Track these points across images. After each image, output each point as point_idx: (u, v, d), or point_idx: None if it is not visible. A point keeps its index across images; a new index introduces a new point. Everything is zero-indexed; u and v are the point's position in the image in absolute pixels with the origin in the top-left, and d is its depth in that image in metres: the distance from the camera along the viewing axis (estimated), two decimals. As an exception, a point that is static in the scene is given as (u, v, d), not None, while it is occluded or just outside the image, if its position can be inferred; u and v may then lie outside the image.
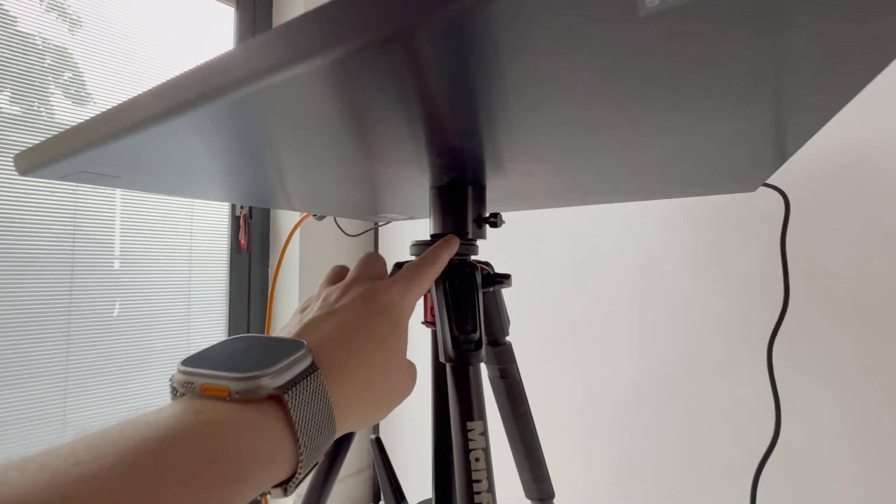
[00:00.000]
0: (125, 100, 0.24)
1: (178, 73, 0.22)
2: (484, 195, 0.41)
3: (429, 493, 0.56)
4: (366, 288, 0.28)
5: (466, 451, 0.32)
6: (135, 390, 1.07)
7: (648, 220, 0.75)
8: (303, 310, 0.28)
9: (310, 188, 0.48)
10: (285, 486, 0.20)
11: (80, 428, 1.00)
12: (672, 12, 0.14)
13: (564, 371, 0.85)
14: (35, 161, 0.30)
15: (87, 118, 0.26)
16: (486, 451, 0.32)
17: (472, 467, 0.31)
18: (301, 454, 0.19)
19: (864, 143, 0.53)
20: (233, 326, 1.22)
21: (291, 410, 0.19)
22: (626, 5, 0.13)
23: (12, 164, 0.97)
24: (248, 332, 1.24)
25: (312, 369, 0.21)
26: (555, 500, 0.51)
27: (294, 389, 0.20)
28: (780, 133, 0.28)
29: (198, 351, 0.21)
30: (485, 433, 0.33)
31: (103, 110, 0.26)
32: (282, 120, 0.24)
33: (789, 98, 0.22)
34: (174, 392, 0.20)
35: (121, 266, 1.08)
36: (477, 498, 0.30)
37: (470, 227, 0.40)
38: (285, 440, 0.19)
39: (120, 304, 1.07)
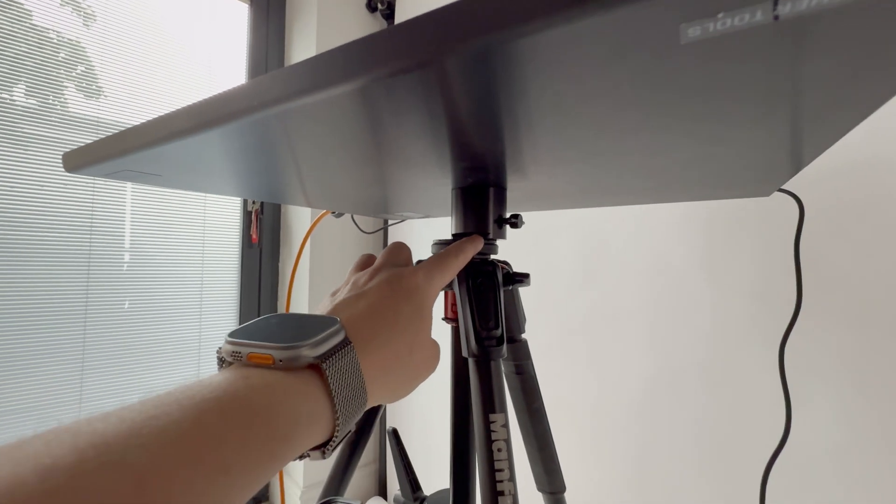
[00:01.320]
0: (173, 110, 0.26)
1: (222, 90, 0.23)
2: (505, 196, 0.43)
3: (436, 484, 0.58)
4: (392, 273, 0.30)
5: (490, 441, 0.33)
6: (149, 381, 1.10)
7: (660, 219, 0.76)
8: (334, 293, 0.30)
9: (331, 189, 0.49)
10: (324, 448, 0.22)
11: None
12: (710, 41, 0.15)
13: (574, 368, 0.86)
14: (83, 160, 0.31)
15: (136, 124, 0.28)
16: (508, 441, 0.34)
17: (495, 457, 0.33)
18: (338, 418, 0.21)
19: (876, 148, 0.54)
20: (244, 320, 1.24)
21: (329, 378, 0.21)
22: (668, 35, 0.15)
23: (30, 154, 0.99)
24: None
25: (346, 342, 0.23)
26: (565, 495, 0.53)
27: (331, 360, 0.22)
28: (798, 143, 0.29)
29: (241, 326, 0.23)
30: (506, 425, 0.34)
31: (147, 119, 0.27)
32: (315, 134, 0.26)
33: (808, 112, 0.23)
34: (221, 361, 0.22)
35: (135, 260, 1.09)
36: (500, 486, 0.32)
37: (491, 227, 0.41)
38: (324, 405, 0.21)
39: (133, 298, 1.09)
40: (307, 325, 0.23)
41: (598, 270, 0.84)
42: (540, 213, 0.92)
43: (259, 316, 1.26)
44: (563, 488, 0.51)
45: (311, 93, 0.20)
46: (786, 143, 0.29)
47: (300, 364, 0.21)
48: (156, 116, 0.27)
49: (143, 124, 0.27)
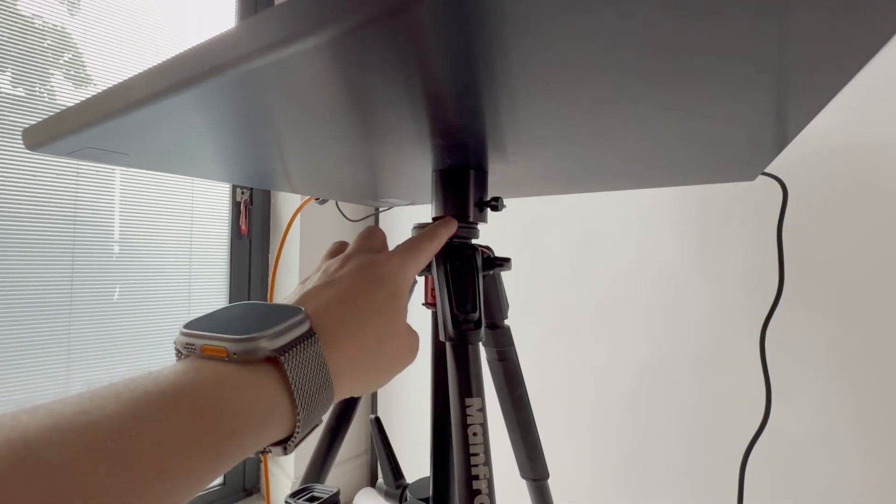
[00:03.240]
0: (130, 76, 0.25)
1: (182, 50, 0.22)
2: (486, 179, 0.42)
3: (425, 472, 0.57)
4: (364, 259, 0.28)
5: (465, 426, 0.33)
6: (135, 372, 1.09)
7: (648, 208, 0.75)
8: (303, 282, 0.29)
9: (311, 170, 0.48)
10: (284, 444, 0.21)
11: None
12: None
13: (566, 358, 0.86)
14: (43, 136, 0.30)
15: (93, 95, 0.27)
16: (484, 426, 0.33)
17: (470, 441, 0.32)
18: (298, 414, 0.20)
19: (861, 134, 0.53)
20: (233, 311, 1.23)
21: (288, 372, 0.20)
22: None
23: (17, 144, 0.97)
24: (248, 317, 1.25)
25: (310, 334, 0.22)
26: (550, 482, 0.52)
27: (291, 352, 0.20)
28: (780, 116, 0.28)
29: (200, 315, 0.22)
30: (482, 409, 0.34)
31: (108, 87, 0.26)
32: (284, 97, 0.24)
33: (788, 78, 0.22)
34: (178, 354, 0.21)
35: (122, 249, 1.08)
36: (474, 471, 0.31)
37: (471, 210, 0.40)
38: (282, 400, 0.20)
39: (121, 288, 1.08)
40: (268, 316, 0.22)
41: (589, 261, 0.83)
42: (531, 204, 0.92)
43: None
44: (546, 475, 0.51)
45: (275, 48, 0.18)
46: (768, 114, 0.28)
47: (257, 357, 0.20)
48: (114, 84, 0.26)
49: (100, 93, 0.26)
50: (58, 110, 1.07)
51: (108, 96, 0.26)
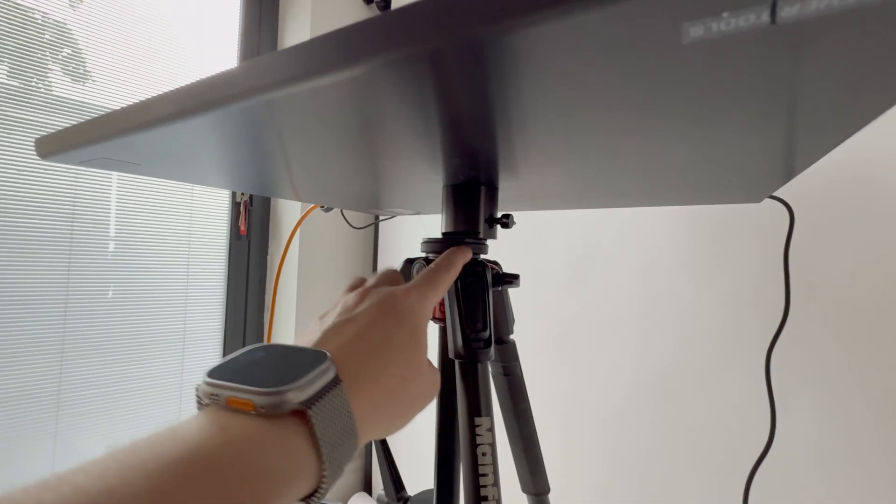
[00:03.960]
0: (154, 95, 0.25)
1: (207, 76, 0.22)
2: (496, 195, 0.42)
3: (421, 484, 0.57)
4: (383, 294, 0.28)
5: (474, 445, 0.33)
6: (130, 372, 1.07)
7: (649, 223, 0.76)
8: (322, 317, 0.28)
9: (320, 182, 0.48)
10: (308, 500, 0.20)
11: (73, 409, 1.00)
12: (712, 42, 0.14)
13: (562, 369, 0.86)
14: (57, 146, 0.30)
15: (116, 109, 0.27)
16: (493, 446, 0.33)
17: (479, 461, 0.32)
18: (325, 470, 0.20)
19: (866, 158, 0.54)
20: (230, 312, 1.22)
21: (315, 426, 0.19)
22: (670, 34, 0.14)
23: (11, 138, 0.96)
24: (245, 318, 1.24)
25: (335, 382, 0.21)
26: (549, 496, 0.53)
27: (318, 404, 0.20)
28: (792, 151, 0.28)
29: (222, 361, 0.22)
30: (491, 429, 0.34)
31: (134, 102, 0.26)
32: (304, 124, 0.25)
33: (805, 120, 0.23)
34: (199, 401, 0.21)
35: (119, 249, 1.07)
36: (483, 491, 0.31)
37: (482, 226, 0.40)
38: (309, 456, 0.19)
39: (117, 288, 1.06)
40: (293, 363, 0.21)
41: (587, 273, 0.84)
42: (530, 214, 0.92)
43: (246, 310, 1.25)
44: (547, 489, 0.51)
45: (300, 81, 0.19)
46: (780, 150, 0.28)
47: (284, 410, 0.19)
48: (135, 102, 0.25)
49: (121, 110, 0.26)
50: (54, 104, 1.06)
51: (128, 114, 0.26)
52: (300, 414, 0.20)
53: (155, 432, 0.17)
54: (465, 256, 0.36)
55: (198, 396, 0.21)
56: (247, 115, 0.23)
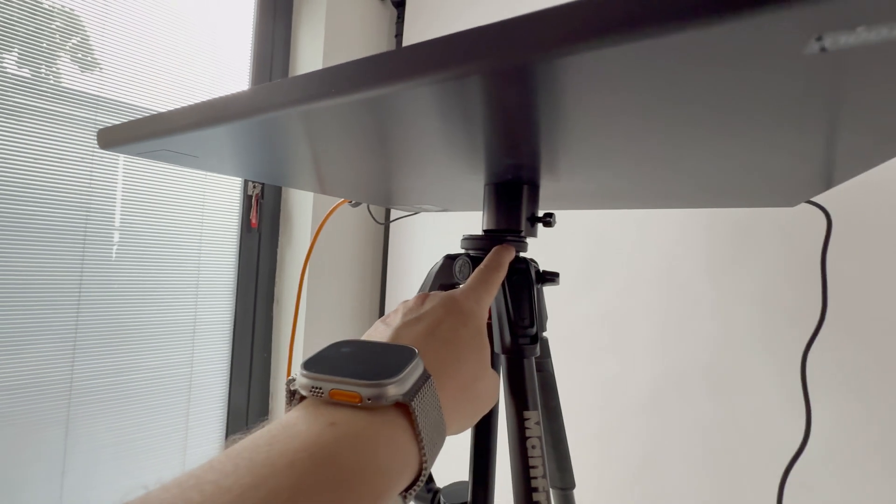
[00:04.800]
0: (222, 95, 0.25)
1: (271, 82, 0.23)
2: (538, 194, 0.43)
3: (447, 476, 0.58)
4: (445, 297, 0.29)
5: (524, 438, 0.33)
6: (142, 362, 1.07)
7: (670, 222, 0.77)
8: (384, 319, 0.28)
9: (352, 179, 0.49)
10: (406, 493, 0.21)
11: (84, 398, 1.00)
12: (833, 55, 0.15)
13: (580, 368, 0.87)
14: (120, 137, 0.30)
15: (180, 107, 0.27)
16: (541, 439, 0.34)
17: (529, 454, 0.33)
18: (425, 461, 0.20)
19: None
20: (240, 304, 1.22)
21: (417, 418, 0.20)
22: (792, 50, 0.14)
23: (22, 126, 0.95)
24: (254, 310, 1.24)
25: (426, 376, 0.22)
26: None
27: (417, 397, 0.20)
28: (842, 160, 0.29)
29: (313, 356, 0.22)
30: (539, 423, 0.34)
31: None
32: (356, 130, 0.25)
33: (875, 131, 0.24)
34: (292, 395, 0.21)
35: (132, 240, 1.06)
36: (534, 483, 0.32)
37: (524, 224, 0.41)
38: (412, 450, 0.20)
39: (129, 278, 1.06)
40: (385, 358, 0.21)
41: (606, 272, 0.84)
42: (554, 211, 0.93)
43: (256, 302, 1.25)
44: (573, 485, 0.52)
45: (353, 92, 0.20)
46: (831, 159, 0.29)
47: (387, 403, 0.19)
48: (211, 98, 0.26)
49: (192, 106, 0.26)
50: (63, 93, 1.05)
51: (195, 110, 0.26)
52: (401, 407, 0.20)
53: (266, 428, 0.18)
54: (510, 255, 0.36)
55: (290, 390, 0.21)
56: (304, 120, 0.24)
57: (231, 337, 1.21)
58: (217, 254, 1.17)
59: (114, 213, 1.04)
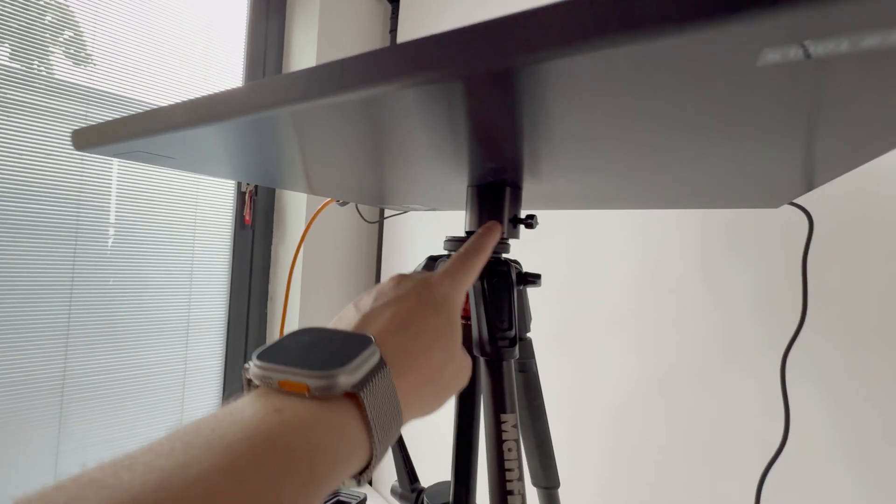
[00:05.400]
0: (199, 96, 0.25)
1: (248, 83, 0.23)
2: (520, 196, 0.42)
3: (431, 476, 0.58)
4: (418, 281, 0.28)
5: (500, 441, 0.33)
6: (135, 359, 1.08)
7: (659, 223, 0.77)
8: (356, 303, 0.28)
9: (339, 180, 0.48)
10: (359, 476, 0.21)
11: (77, 395, 1.00)
12: (785, 66, 0.15)
13: (567, 367, 0.87)
14: (95, 139, 0.30)
15: (158, 107, 0.27)
16: (518, 442, 0.34)
17: (505, 457, 0.33)
18: (375, 448, 0.20)
19: (881, 160, 0.55)
20: (233, 301, 1.22)
21: (367, 408, 0.20)
22: (743, 57, 0.14)
23: (11, 120, 0.94)
24: (248, 307, 1.25)
25: (382, 365, 0.22)
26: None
27: (368, 387, 0.20)
28: (820, 164, 0.29)
29: (270, 344, 0.22)
30: (517, 425, 0.35)
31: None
32: (340, 131, 0.25)
33: (848, 138, 0.24)
34: (248, 383, 0.21)
35: (125, 236, 1.06)
36: (509, 486, 0.32)
37: (506, 226, 0.41)
38: (361, 436, 0.20)
39: (122, 274, 1.06)
40: (340, 346, 0.21)
41: (595, 271, 0.84)
42: (540, 212, 0.92)
43: (250, 299, 1.25)
44: (557, 484, 0.53)
45: (337, 94, 0.20)
46: (809, 163, 0.29)
47: (336, 393, 0.20)
48: (176, 102, 0.26)
49: (165, 107, 0.26)
50: (56, 88, 1.04)
51: (168, 112, 0.26)
52: (351, 396, 0.20)
53: (212, 414, 0.18)
54: (494, 237, 0.35)
55: (246, 378, 0.21)
56: (281, 122, 0.24)
57: (225, 334, 1.21)
58: (211, 251, 1.17)
59: (106, 209, 1.04)
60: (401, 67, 0.18)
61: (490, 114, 0.21)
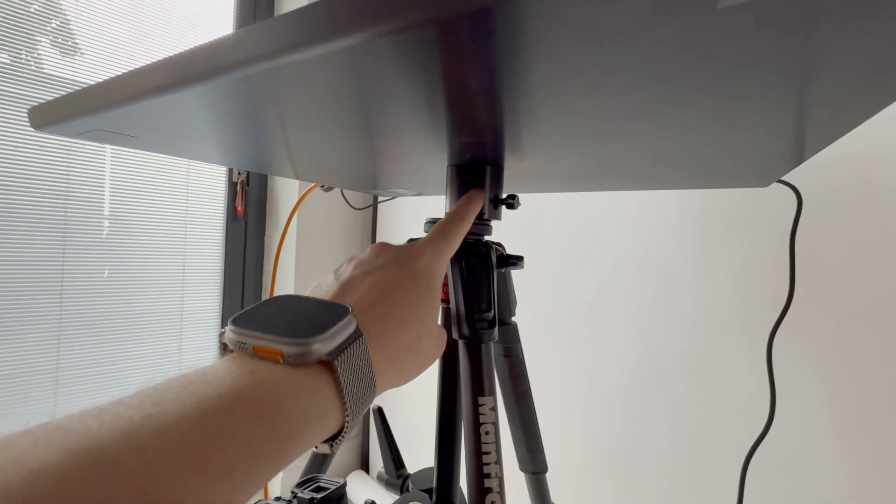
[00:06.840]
0: (147, 63, 0.24)
1: (201, 43, 0.21)
2: (501, 175, 0.41)
3: (417, 462, 0.58)
4: (400, 250, 0.28)
5: (477, 424, 0.33)
6: (128, 352, 1.07)
7: (651, 209, 0.75)
8: (336, 271, 0.28)
9: (321, 160, 0.47)
10: (332, 442, 0.21)
11: (71, 388, 1.00)
12: (748, 7, 0.14)
13: (560, 352, 0.87)
14: (51, 116, 0.29)
15: (109, 77, 0.26)
16: (496, 425, 0.33)
17: (482, 440, 0.32)
18: (347, 414, 0.21)
19: (872, 142, 0.54)
20: (227, 292, 1.21)
21: (340, 376, 0.20)
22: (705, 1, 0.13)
23: (2, 113, 0.93)
24: (242, 298, 1.24)
25: (357, 335, 0.22)
26: (547, 475, 0.53)
27: (342, 356, 0.20)
28: (806, 132, 0.28)
29: (246, 310, 0.22)
30: (495, 408, 0.34)
31: (125, 71, 0.25)
32: (305, 96, 0.24)
33: (827, 98, 0.22)
34: (224, 347, 0.21)
35: (115, 228, 1.05)
36: (486, 469, 0.32)
37: (487, 207, 0.40)
38: (333, 401, 0.20)
39: (113, 267, 1.05)
40: (317, 315, 0.21)
41: (585, 256, 0.84)
42: (531, 198, 0.91)
43: (244, 290, 1.24)
44: (545, 469, 0.52)
45: (301, 49, 0.18)
46: (795, 130, 0.28)
47: (310, 360, 0.20)
48: (131, 69, 0.24)
49: (117, 77, 0.25)
50: (44, 79, 1.03)
51: (124, 82, 0.25)
52: (325, 364, 0.20)
53: (183, 374, 0.18)
54: (476, 205, 0.35)
55: (222, 343, 0.21)
56: (246, 85, 0.22)
57: (219, 326, 1.21)
58: (203, 242, 1.17)
59: (96, 202, 1.03)
60: (371, 12, 0.16)
61: (467, 68, 0.20)
